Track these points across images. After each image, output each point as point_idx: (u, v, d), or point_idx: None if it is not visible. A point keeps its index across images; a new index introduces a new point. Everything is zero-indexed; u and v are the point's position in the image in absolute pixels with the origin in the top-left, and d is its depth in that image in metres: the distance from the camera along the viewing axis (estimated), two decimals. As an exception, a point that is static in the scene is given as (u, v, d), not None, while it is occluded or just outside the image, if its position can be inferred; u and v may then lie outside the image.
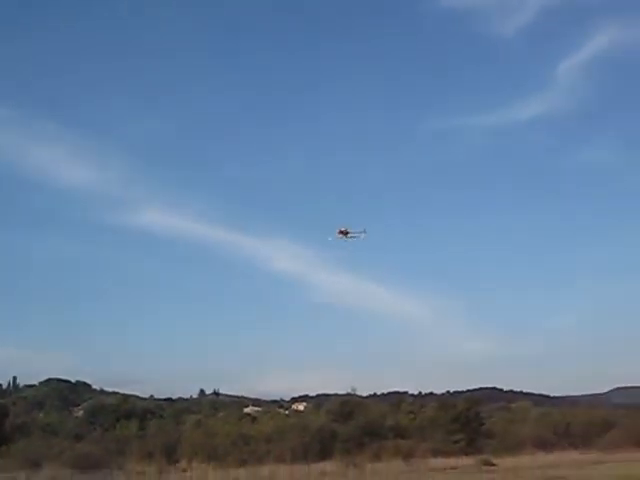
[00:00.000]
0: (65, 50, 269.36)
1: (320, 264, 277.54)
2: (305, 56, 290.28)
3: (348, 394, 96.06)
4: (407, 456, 70.97)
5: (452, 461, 70.83)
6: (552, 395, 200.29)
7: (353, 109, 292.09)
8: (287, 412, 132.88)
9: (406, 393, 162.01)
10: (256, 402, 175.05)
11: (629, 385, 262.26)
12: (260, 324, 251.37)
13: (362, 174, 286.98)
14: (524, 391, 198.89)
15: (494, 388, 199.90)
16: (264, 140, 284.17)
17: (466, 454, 76.22)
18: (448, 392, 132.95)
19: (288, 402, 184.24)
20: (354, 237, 59.90)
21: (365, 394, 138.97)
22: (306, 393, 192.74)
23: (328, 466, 66.40)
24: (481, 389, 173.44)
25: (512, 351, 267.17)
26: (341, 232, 59.25)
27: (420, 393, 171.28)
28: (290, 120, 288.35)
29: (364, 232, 60.38)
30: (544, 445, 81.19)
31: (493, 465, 66.15)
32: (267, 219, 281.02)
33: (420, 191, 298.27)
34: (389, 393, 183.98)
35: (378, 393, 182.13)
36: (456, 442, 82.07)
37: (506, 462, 68.53)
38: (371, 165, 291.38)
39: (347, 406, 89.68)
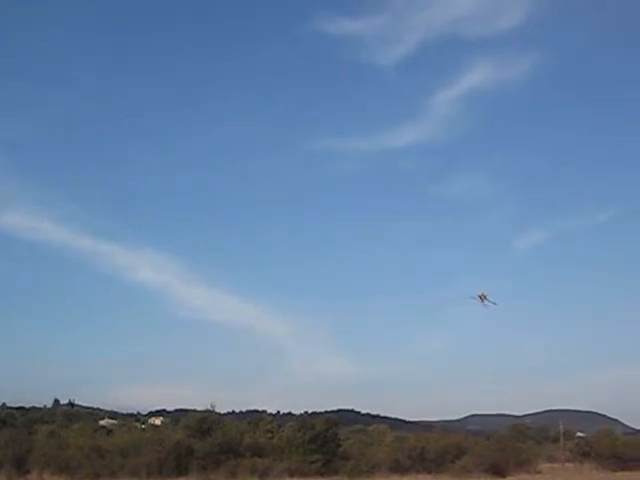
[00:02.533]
0: None
1: (186, 278, 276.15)
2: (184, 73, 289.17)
3: (207, 410, 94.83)
4: (263, 475, 70.92)
5: (308, 481, 71.09)
6: (408, 420, 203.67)
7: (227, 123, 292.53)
8: (144, 426, 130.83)
9: (265, 412, 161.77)
10: (112, 414, 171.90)
11: (483, 413, 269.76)
12: (121, 335, 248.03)
13: (239, 188, 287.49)
14: (381, 415, 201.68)
15: (352, 410, 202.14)
16: (135, 150, 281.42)
17: (322, 475, 76.55)
18: (307, 412, 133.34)
19: (145, 416, 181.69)
20: (488, 303, 60.61)
21: (224, 411, 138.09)
22: (164, 407, 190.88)
23: (183, 482, 65.80)
24: (339, 411, 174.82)
25: (371, 375, 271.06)
26: (480, 296, 60.23)
27: (279, 412, 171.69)
28: (157, 133, 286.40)
29: (496, 304, 61.25)
30: (399, 468, 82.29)
31: (348, 487, 66.61)
32: (133, 228, 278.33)
33: (295, 210, 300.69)
34: (248, 411, 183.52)
35: (237, 411, 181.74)
36: (313, 462, 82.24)
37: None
38: (252, 179, 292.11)
39: (205, 422, 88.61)
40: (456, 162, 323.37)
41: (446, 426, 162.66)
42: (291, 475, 74.03)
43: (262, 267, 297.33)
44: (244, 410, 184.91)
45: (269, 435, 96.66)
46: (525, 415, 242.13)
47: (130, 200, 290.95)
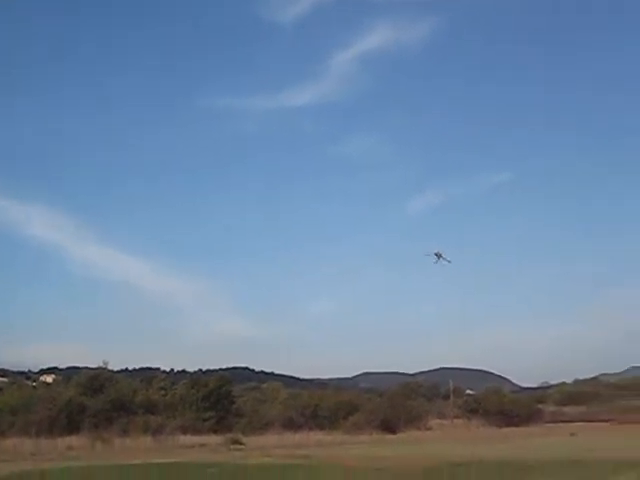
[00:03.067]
0: None
1: (81, 236, 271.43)
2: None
3: (99, 368, 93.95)
4: (156, 432, 70.61)
5: (202, 439, 70.98)
6: (302, 377, 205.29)
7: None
8: (35, 384, 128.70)
9: (158, 370, 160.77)
10: (2, 372, 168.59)
11: (376, 371, 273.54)
12: (11, 292, 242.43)
13: (135, 142, 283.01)
14: (275, 372, 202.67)
15: (246, 368, 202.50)
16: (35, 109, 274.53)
17: (215, 432, 76.67)
18: (200, 370, 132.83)
19: (36, 374, 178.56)
20: (443, 261, 62.48)
21: (117, 369, 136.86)
22: (55, 365, 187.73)
23: (75, 440, 64.96)
24: (234, 369, 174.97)
25: (266, 333, 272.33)
26: (436, 254, 62.13)
27: (173, 370, 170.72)
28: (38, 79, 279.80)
29: (450, 261, 63.80)
30: (291, 425, 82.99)
31: (241, 444, 66.74)
32: (26, 183, 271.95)
33: (192, 168, 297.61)
34: (141, 369, 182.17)
35: (130, 368, 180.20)
36: (206, 420, 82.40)
37: (254, 441, 69.39)
38: (148, 133, 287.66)
39: (97, 380, 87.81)
40: (354, 122, 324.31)
41: (339, 384, 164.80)
42: (184, 432, 73.92)
43: (160, 228, 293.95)
44: (137, 368, 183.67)
45: (162, 392, 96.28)
46: (417, 373, 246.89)
47: (20, 155, 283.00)
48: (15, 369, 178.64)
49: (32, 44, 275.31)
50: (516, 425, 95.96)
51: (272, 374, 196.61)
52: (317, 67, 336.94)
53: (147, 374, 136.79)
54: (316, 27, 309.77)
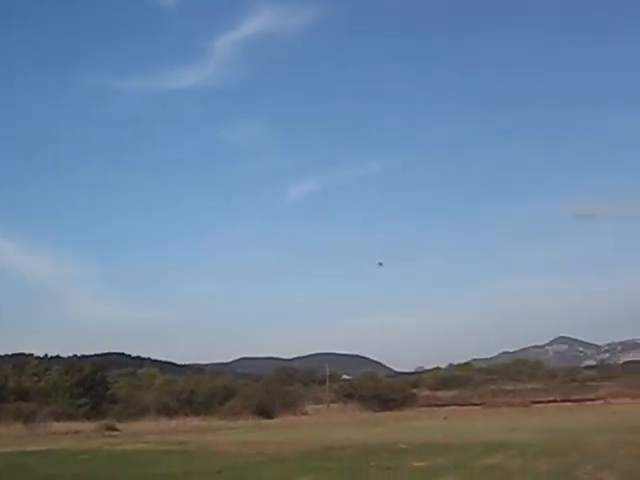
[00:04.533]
0: None
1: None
2: None
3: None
4: (28, 419, 69.31)
5: (75, 425, 69.93)
6: (179, 363, 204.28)
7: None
8: None
9: (32, 355, 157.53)
10: None
11: (253, 356, 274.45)
12: None
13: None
14: (152, 358, 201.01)
15: (122, 354, 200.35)
16: None
17: (89, 419, 75.77)
18: (75, 356, 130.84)
19: None
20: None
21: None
22: None
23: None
24: (109, 354, 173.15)
25: (142, 318, 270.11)
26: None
27: (46, 356, 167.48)
28: None
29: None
30: (167, 411, 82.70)
31: (116, 430, 66.20)
32: None
33: (66, 147, 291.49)
34: (13, 354, 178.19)
35: (2, 354, 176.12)
36: (80, 406, 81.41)
37: (129, 427, 68.97)
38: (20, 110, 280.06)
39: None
40: (235, 107, 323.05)
41: (216, 369, 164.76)
42: (57, 419, 72.79)
43: (29, 207, 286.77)
44: (10, 353, 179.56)
45: (35, 379, 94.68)
46: (294, 358, 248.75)
47: None
48: None
49: None
50: (391, 409, 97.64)
51: (149, 359, 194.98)
52: (198, 50, 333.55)
53: (19, 360, 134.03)
54: (197, 9, 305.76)
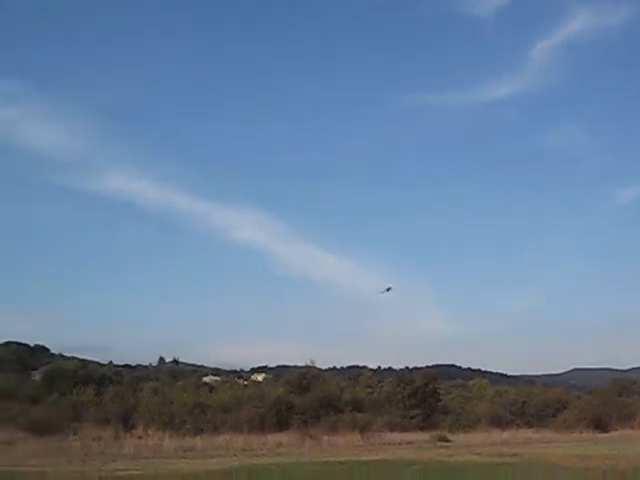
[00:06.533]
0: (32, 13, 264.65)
1: (284, 237, 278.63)
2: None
3: (307, 366, 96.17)
4: (363, 430, 71.14)
5: (408, 436, 71.03)
6: (509, 374, 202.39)
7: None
8: (246, 382, 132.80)
9: (365, 367, 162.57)
10: (215, 372, 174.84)
11: (586, 367, 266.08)
12: (223, 294, 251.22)
13: (334, 147, 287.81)
14: (482, 369, 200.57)
15: (452, 365, 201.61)
16: (235, 112, 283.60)
17: (422, 429, 76.68)
18: (407, 368, 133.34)
19: (247, 372, 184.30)
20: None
21: (324, 367, 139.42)
22: (266, 364, 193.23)
23: (284, 437, 66.37)
24: (440, 366, 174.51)
25: (472, 329, 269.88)
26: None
27: (379, 368, 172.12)
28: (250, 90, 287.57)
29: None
30: (499, 423, 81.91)
31: (448, 441, 66.52)
32: (231, 187, 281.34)
33: (392, 164, 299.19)
34: (348, 367, 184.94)
35: (337, 367, 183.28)
36: (412, 417, 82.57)
37: (461, 438, 69.08)
38: (343, 138, 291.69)
39: (305, 378, 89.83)
40: (554, 113, 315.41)
41: (548, 380, 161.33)
42: (391, 430, 74.22)
43: (359, 226, 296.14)
44: (345, 366, 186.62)
45: (369, 390, 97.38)
46: (630, 369, 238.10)
47: (227, 160, 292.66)
48: (227, 368, 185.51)
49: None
50: None
51: (479, 371, 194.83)
52: (517, 59, 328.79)
53: (354, 372, 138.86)
54: (514, 18, 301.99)
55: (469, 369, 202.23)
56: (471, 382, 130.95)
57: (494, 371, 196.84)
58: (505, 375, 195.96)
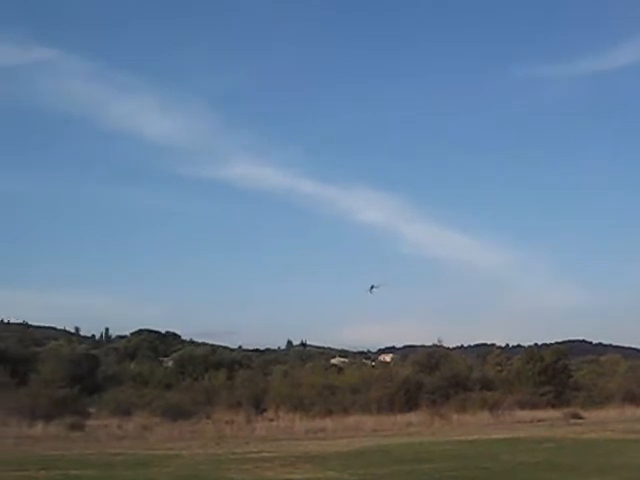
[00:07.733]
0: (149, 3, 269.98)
1: (405, 214, 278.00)
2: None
3: (434, 345, 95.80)
4: (493, 408, 70.64)
5: (539, 413, 70.16)
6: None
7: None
8: (373, 363, 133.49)
9: (493, 345, 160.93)
10: (343, 353, 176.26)
11: None
12: (348, 276, 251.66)
13: (447, 124, 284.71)
14: (614, 344, 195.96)
15: (583, 341, 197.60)
16: (350, 91, 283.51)
17: (553, 407, 75.72)
18: (536, 344, 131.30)
19: (375, 353, 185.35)
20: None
21: (452, 346, 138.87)
22: (393, 345, 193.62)
23: (414, 417, 66.45)
24: (569, 341, 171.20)
25: (602, 303, 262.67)
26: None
27: (507, 345, 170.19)
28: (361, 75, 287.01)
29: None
30: (633, 399, 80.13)
31: (581, 418, 65.55)
32: (350, 169, 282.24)
33: (509, 139, 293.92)
34: (476, 345, 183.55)
35: (465, 345, 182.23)
36: (543, 394, 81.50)
37: (594, 415, 67.93)
38: (452, 115, 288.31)
39: (433, 357, 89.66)
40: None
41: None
42: (522, 408, 73.44)
43: (474, 202, 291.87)
44: (472, 344, 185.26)
45: (498, 368, 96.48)
46: None
47: (345, 142, 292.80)
48: (355, 349, 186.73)
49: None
50: None
51: (610, 346, 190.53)
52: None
53: (482, 350, 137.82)
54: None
55: (600, 344, 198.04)
56: (603, 357, 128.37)
57: (626, 346, 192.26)
58: (638, 350, 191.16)
